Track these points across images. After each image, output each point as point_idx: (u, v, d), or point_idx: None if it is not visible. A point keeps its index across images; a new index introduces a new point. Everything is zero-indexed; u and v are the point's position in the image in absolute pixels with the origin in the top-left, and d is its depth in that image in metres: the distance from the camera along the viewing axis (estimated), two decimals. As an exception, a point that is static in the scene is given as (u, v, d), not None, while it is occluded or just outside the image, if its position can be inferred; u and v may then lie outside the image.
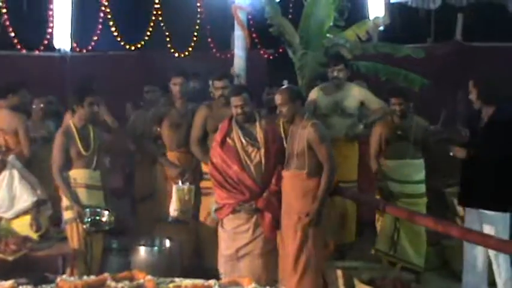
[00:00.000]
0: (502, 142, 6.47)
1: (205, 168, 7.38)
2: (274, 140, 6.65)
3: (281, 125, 7.10)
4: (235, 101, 6.59)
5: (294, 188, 6.33)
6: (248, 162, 6.54)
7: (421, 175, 7.59)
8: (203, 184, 7.57)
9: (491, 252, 6.55)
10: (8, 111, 7.80)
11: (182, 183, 7.56)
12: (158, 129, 8.05)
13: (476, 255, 6.74)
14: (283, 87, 6.81)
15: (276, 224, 6.51)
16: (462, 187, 6.91)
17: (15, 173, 7.01)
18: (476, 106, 6.71)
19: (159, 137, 8.08)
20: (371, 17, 11.75)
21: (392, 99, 7.55)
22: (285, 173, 6.43)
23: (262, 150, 6.53)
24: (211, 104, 7.68)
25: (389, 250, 7.46)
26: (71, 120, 7.02)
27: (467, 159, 6.68)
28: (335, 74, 8.25)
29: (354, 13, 11.45)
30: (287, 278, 6.35)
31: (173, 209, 7.55)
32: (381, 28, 12.29)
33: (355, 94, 8.31)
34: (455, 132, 9.45)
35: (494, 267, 6.61)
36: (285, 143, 6.68)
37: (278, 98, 6.41)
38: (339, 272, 6.61)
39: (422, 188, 7.59)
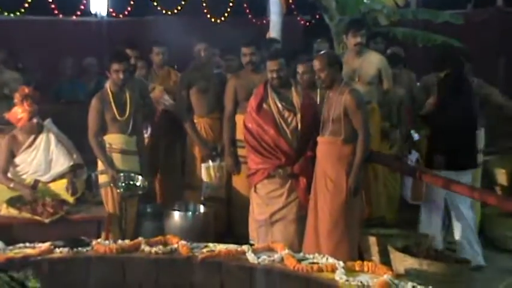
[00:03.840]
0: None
1: (239, 135, 7.32)
2: (310, 105, 6.61)
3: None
4: (271, 65, 6.57)
5: (329, 154, 6.24)
6: (285, 126, 6.53)
7: None
8: (238, 152, 7.51)
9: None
10: None
11: (212, 161, 7.54)
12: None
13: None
14: (321, 52, 6.72)
15: (309, 189, 6.46)
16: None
17: (52, 136, 7.05)
18: None
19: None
20: (410, -18, 11.60)
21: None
22: (320, 139, 6.35)
23: (299, 115, 6.51)
24: (239, 73, 7.63)
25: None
26: (107, 85, 7.02)
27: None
28: (358, 39, 7.72)
29: (392, -22, 11.32)
30: (322, 245, 6.24)
31: (205, 187, 7.55)
32: (420, -7, 12.15)
33: (374, 61, 7.83)
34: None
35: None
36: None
37: (316, 64, 6.27)
38: (373, 239, 6.56)
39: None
